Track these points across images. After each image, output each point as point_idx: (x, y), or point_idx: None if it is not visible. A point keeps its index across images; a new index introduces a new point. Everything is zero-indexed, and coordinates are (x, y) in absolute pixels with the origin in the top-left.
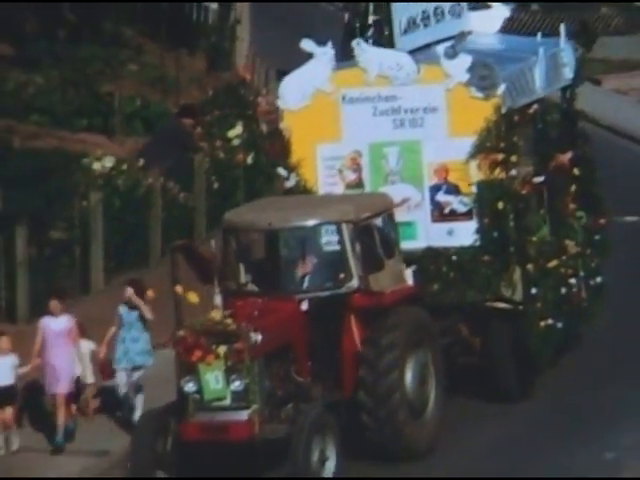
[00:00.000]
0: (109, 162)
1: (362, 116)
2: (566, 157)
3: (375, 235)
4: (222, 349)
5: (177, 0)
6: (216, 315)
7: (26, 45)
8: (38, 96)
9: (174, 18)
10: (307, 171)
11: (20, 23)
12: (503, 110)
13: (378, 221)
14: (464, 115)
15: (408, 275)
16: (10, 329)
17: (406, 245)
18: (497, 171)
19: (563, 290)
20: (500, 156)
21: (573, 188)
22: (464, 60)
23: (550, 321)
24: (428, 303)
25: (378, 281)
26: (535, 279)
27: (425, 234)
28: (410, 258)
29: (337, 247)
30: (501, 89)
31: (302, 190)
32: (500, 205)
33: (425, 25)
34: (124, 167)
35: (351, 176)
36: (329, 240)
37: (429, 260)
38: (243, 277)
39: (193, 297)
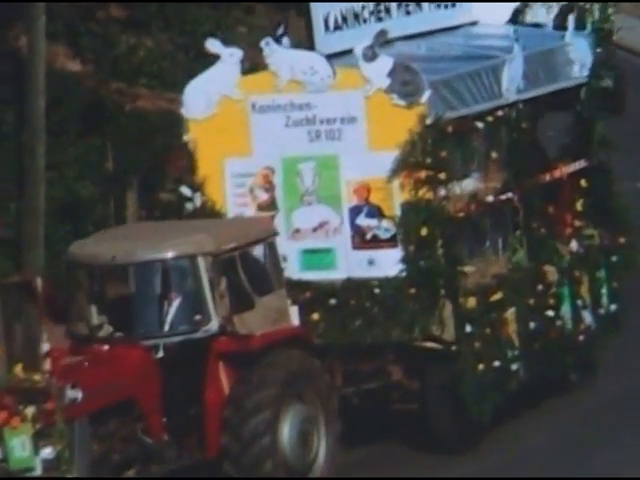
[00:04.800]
0: None
1: (274, 127)
2: (565, 169)
3: (241, 269)
4: (30, 410)
5: None
6: (19, 371)
7: (137, 8)
8: (148, 59)
9: None
10: (214, 190)
11: None
12: (429, 120)
13: (254, 251)
14: (385, 126)
15: (293, 313)
16: None
17: (324, 275)
18: (423, 191)
19: (532, 325)
20: (425, 173)
21: (579, 203)
22: (384, 63)
23: (497, 363)
24: (348, 343)
25: (246, 322)
26: (471, 315)
27: (345, 263)
28: (329, 291)
29: (194, 284)
30: (426, 96)
31: (208, 212)
32: (424, 231)
33: (379, 19)
34: None
35: (263, 196)
36: (185, 276)
37: (350, 293)
38: (96, 319)
39: None
